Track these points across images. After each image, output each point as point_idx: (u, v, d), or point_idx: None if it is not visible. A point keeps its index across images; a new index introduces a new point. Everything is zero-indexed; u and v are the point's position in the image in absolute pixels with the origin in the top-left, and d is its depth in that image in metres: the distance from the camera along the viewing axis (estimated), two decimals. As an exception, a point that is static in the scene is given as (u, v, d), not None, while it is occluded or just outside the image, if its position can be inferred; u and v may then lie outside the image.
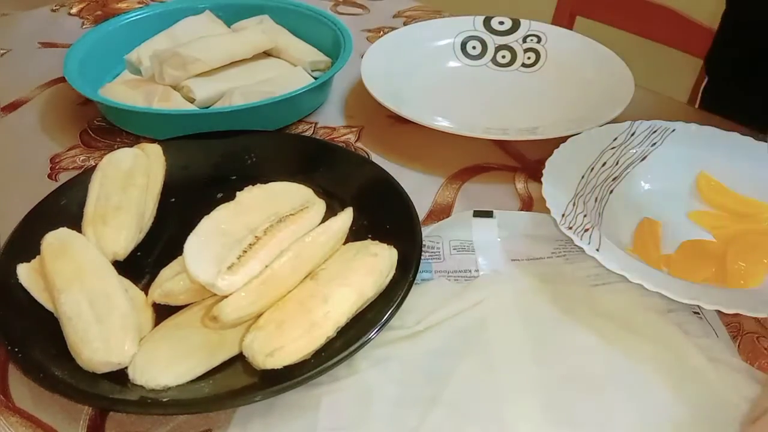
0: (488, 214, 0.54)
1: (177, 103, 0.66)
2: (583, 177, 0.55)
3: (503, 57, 0.78)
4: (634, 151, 0.59)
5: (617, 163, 0.58)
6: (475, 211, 0.54)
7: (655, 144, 0.59)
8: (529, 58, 0.78)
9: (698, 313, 0.46)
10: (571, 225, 0.48)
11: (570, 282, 0.48)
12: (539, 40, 0.78)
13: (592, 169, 0.56)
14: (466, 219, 0.54)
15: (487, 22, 0.79)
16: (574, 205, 0.51)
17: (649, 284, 0.44)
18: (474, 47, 0.79)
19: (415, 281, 0.48)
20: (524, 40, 0.78)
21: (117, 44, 0.75)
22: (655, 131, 0.60)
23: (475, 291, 0.47)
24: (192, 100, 0.68)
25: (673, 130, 0.60)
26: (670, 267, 0.50)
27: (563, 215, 0.49)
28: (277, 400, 0.41)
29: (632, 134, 0.59)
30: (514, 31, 0.79)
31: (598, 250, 0.46)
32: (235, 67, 0.72)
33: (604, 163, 0.57)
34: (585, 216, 0.50)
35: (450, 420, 0.40)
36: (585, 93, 0.70)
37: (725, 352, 0.43)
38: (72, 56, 0.69)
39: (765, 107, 0.69)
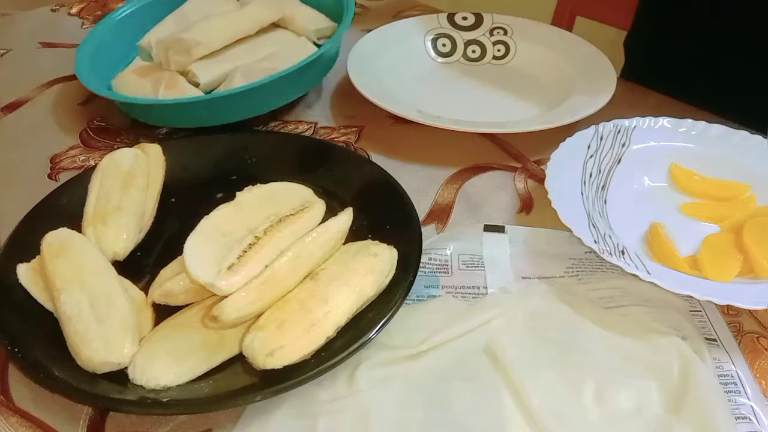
0: (500, 229, 0.53)
1: (182, 89, 0.66)
2: (582, 194, 0.54)
3: (473, 52, 0.78)
4: (609, 155, 0.59)
5: (600, 171, 0.57)
6: (486, 225, 0.53)
7: (624, 144, 0.59)
8: (499, 50, 0.78)
9: (715, 340, 0.45)
10: (611, 251, 0.47)
11: (582, 303, 0.47)
12: (506, 32, 0.78)
13: (585, 183, 0.55)
14: (476, 232, 0.53)
15: (451, 18, 0.79)
16: (594, 227, 0.50)
17: (718, 299, 0.44)
18: (444, 44, 0.79)
19: (422, 298, 0.47)
20: (491, 33, 0.78)
21: (130, 31, 0.74)
22: (619, 131, 0.60)
23: (482, 311, 0.46)
24: (197, 85, 0.67)
25: (635, 127, 0.60)
26: (701, 269, 0.49)
27: (595, 242, 0.48)
28: (272, 420, 0.40)
29: (601, 138, 0.59)
30: (479, 26, 0.79)
31: (649, 273, 0.45)
32: (239, 45, 0.71)
33: (591, 174, 0.56)
34: (611, 237, 0.49)
35: None
36: (564, 82, 0.70)
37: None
38: (82, 52, 0.69)
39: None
